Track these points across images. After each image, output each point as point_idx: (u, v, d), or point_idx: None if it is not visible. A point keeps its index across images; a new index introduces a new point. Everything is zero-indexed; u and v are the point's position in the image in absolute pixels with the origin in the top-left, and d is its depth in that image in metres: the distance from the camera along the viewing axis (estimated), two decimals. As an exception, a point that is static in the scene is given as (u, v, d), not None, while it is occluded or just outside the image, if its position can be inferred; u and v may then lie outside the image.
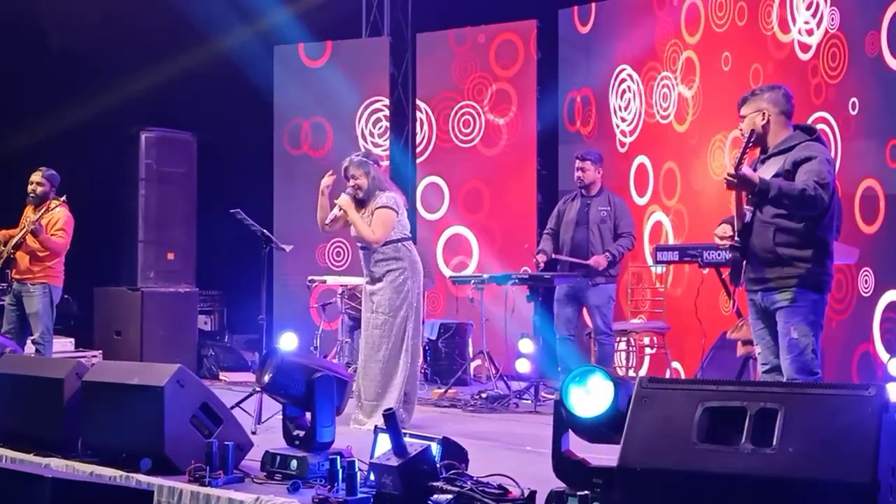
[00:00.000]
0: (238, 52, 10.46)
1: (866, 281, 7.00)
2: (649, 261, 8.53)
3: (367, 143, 10.69)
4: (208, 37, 10.29)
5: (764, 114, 4.84)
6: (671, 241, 8.63)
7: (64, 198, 7.64)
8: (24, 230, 7.62)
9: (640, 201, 9.05)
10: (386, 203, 6.57)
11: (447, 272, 10.12)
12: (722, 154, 8.18)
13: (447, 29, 10.50)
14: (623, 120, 9.26)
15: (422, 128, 10.60)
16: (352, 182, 6.59)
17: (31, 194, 7.75)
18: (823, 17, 7.29)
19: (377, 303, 6.59)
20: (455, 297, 9.84)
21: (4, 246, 7.73)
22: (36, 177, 7.78)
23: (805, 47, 7.49)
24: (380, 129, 10.73)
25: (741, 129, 4.88)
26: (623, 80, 9.25)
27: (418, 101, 10.66)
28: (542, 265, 7.70)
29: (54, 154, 9.15)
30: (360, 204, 6.62)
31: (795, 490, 3.54)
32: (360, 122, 10.76)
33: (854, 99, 7.06)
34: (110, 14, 10.21)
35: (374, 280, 6.65)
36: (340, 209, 6.57)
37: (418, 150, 10.65)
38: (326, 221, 6.77)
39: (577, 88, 9.69)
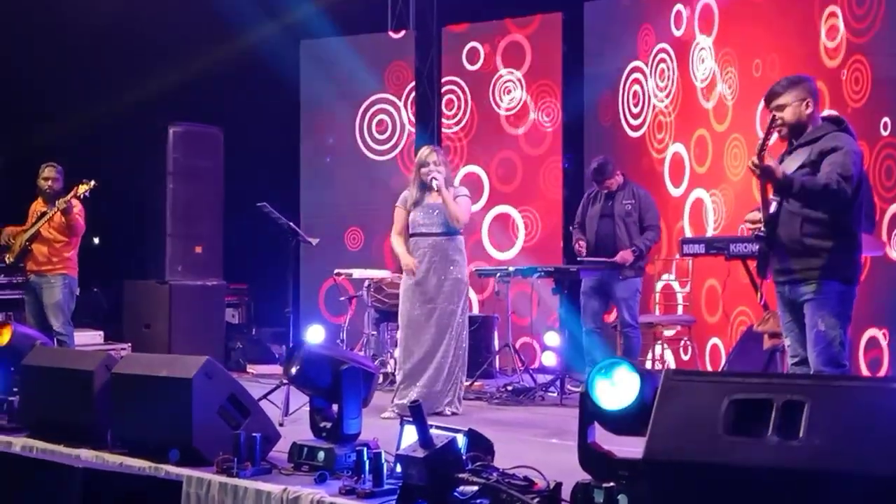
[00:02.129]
0: (265, 46, 10.50)
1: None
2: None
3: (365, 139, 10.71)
4: (235, 31, 10.34)
5: (808, 103, 4.80)
6: (711, 223, 8.56)
7: (93, 183, 7.67)
8: (42, 220, 7.68)
9: (676, 192, 9.01)
10: (466, 192, 6.97)
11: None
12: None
13: (472, 22, 10.48)
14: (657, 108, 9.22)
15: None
16: (435, 168, 6.78)
17: (48, 190, 7.82)
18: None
19: (447, 293, 6.77)
20: (480, 289, 9.85)
21: (15, 240, 7.80)
22: (50, 172, 7.85)
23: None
24: (377, 123, 10.74)
25: (781, 119, 4.78)
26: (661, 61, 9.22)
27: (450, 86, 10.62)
28: (583, 252, 7.72)
29: (82, 149, 9.25)
30: (425, 191, 6.86)
31: (822, 482, 3.52)
32: (362, 118, 10.77)
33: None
34: (137, 9, 10.28)
35: (442, 271, 6.79)
36: (438, 184, 6.72)
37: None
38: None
39: (604, 80, 9.65)
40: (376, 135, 10.83)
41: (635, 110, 9.43)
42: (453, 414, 6.69)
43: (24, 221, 7.94)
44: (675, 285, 8.83)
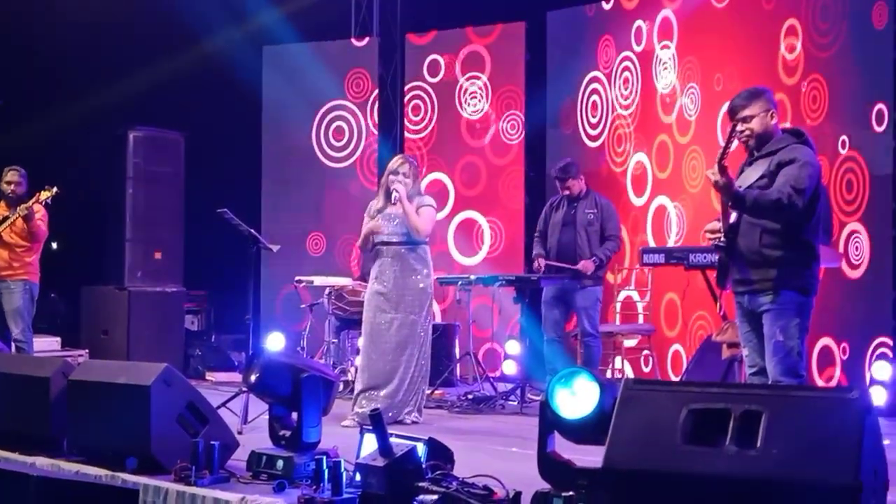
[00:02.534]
0: (227, 51, 10.46)
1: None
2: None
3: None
4: (197, 36, 10.28)
5: (773, 113, 4.85)
6: (674, 233, 8.61)
7: (55, 189, 7.59)
8: (3, 224, 7.58)
9: (639, 201, 9.06)
10: (431, 203, 6.93)
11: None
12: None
13: (436, 30, 10.50)
14: (620, 117, 9.28)
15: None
16: (400, 178, 6.78)
17: (11, 194, 7.72)
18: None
19: (409, 303, 6.76)
20: (442, 298, 9.85)
21: None
22: (13, 176, 7.75)
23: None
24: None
25: (749, 131, 4.81)
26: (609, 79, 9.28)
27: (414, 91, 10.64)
28: (542, 268, 7.74)
29: (42, 153, 9.14)
30: (389, 200, 6.85)
31: (779, 491, 3.55)
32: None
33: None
34: (99, 13, 10.20)
35: (400, 280, 6.78)
36: (398, 196, 6.71)
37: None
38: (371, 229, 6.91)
39: (565, 90, 9.70)
40: (333, 141, 10.81)
41: (594, 120, 9.49)
42: (414, 423, 6.68)
43: None
44: (635, 295, 8.88)
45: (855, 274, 7.16)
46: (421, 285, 6.82)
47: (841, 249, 7.11)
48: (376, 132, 10.73)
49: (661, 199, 8.78)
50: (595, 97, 9.49)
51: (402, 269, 6.80)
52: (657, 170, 8.82)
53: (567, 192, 7.80)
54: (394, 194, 6.74)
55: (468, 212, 10.24)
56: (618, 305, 8.81)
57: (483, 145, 10.22)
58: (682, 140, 8.57)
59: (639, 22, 9.01)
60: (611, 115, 9.32)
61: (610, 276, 8.73)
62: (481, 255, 10.13)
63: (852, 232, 7.15)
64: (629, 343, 8.52)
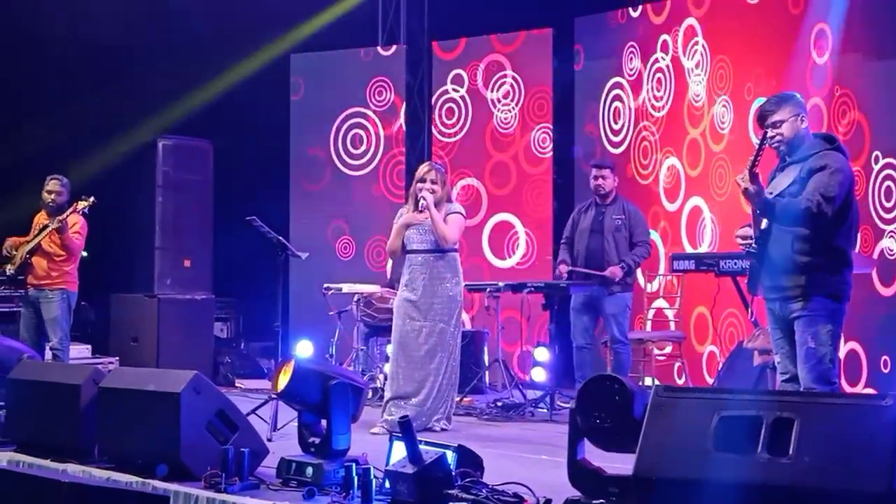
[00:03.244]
0: (255, 59, 10.49)
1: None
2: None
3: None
4: (226, 47, 10.33)
5: (802, 117, 4.82)
6: (707, 236, 8.53)
7: (92, 199, 7.63)
8: (42, 233, 7.63)
9: (671, 207, 9.01)
10: (459, 210, 6.92)
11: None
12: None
13: (463, 40, 10.50)
14: (647, 127, 9.23)
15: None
16: (429, 185, 6.76)
17: (52, 203, 7.75)
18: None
19: (438, 311, 6.74)
20: (470, 305, 9.84)
21: (17, 251, 7.75)
22: (55, 185, 7.77)
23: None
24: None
25: (779, 136, 4.78)
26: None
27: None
28: (564, 276, 7.71)
29: (71, 161, 9.21)
30: (419, 209, 6.82)
31: (811, 499, 3.55)
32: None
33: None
34: (128, 22, 10.26)
35: (430, 288, 6.75)
36: (424, 204, 6.69)
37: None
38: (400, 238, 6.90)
39: (594, 96, 9.68)
40: (351, 148, 10.81)
41: (616, 126, 9.46)
42: (443, 430, 6.66)
43: (27, 233, 7.89)
44: (662, 302, 8.81)
45: (888, 291, 7.04)
46: (450, 293, 6.79)
47: (874, 267, 6.97)
48: (401, 140, 10.71)
49: (695, 201, 8.65)
50: (618, 103, 9.44)
51: (431, 277, 6.78)
52: (689, 168, 8.71)
53: (598, 184, 7.71)
54: (421, 202, 6.73)
55: (502, 214, 10.20)
56: (650, 312, 8.73)
57: (512, 151, 10.18)
58: (715, 148, 8.49)
59: (664, 36, 8.94)
60: (632, 122, 9.25)
61: (644, 284, 8.68)
62: (513, 261, 10.08)
63: (886, 249, 7.02)
64: (659, 351, 8.45)
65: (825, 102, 7.40)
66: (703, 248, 8.43)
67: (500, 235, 10.22)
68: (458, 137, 10.48)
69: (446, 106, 10.57)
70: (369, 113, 10.78)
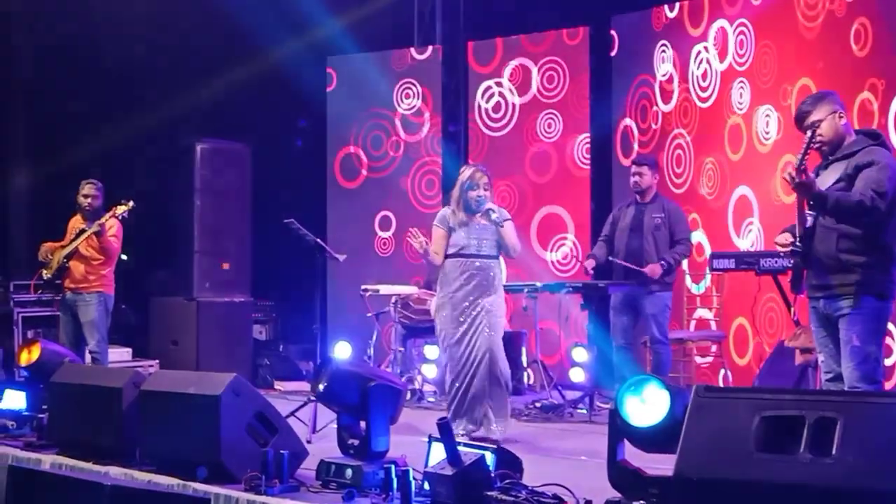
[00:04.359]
0: (291, 62, 10.54)
1: None
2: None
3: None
4: (262, 48, 10.38)
5: (840, 114, 4.78)
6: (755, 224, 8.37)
7: (132, 203, 7.69)
8: (80, 237, 7.70)
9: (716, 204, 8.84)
10: (509, 217, 6.70)
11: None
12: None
13: (499, 37, 10.47)
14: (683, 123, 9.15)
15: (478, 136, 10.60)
16: (482, 192, 6.53)
17: (88, 208, 7.82)
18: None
19: (499, 315, 6.59)
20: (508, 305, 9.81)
21: (53, 256, 7.82)
22: (90, 189, 7.84)
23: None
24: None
25: (820, 137, 4.74)
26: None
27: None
28: (591, 271, 7.66)
29: (110, 166, 9.29)
30: (473, 213, 6.61)
31: (855, 500, 3.51)
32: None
33: None
34: (164, 27, 10.35)
35: (486, 293, 6.55)
36: (498, 218, 6.46)
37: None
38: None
39: (632, 96, 9.62)
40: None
41: (642, 125, 9.38)
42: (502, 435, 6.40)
43: (61, 237, 7.96)
44: (703, 311, 8.71)
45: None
46: (501, 299, 6.64)
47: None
48: (434, 143, 10.71)
49: (742, 190, 8.46)
50: (644, 102, 9.38)
51: (488, 283, 6.54)
52: (731, 152, 8.56)
53: (636, 181, 7.67)
54: (493, 216, 6.46)
55: (549, 207, 10.14)
56: (685, 312, 8.65)
57: (550, 153, 10.13)
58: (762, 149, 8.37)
59: (698, 46, 8.87)
60: (659, 125, 9.18)
61: (691, 285, 8.59)
62: (568, 244, 10.00)
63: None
64: (700, 349, 8.37)
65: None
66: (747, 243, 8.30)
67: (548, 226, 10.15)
68: (504, 132, 10.41)
69: (493, 101, 10.51)
70: (401, 112, 10.80)
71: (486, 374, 6.42)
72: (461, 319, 6.51)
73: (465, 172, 6.68)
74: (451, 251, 6.60)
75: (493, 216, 6.47)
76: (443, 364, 6.96)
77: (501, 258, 6.84)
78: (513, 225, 6.69)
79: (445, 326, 6.56)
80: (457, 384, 6.47)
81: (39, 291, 8.58)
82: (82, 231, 7.72)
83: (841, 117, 4.78)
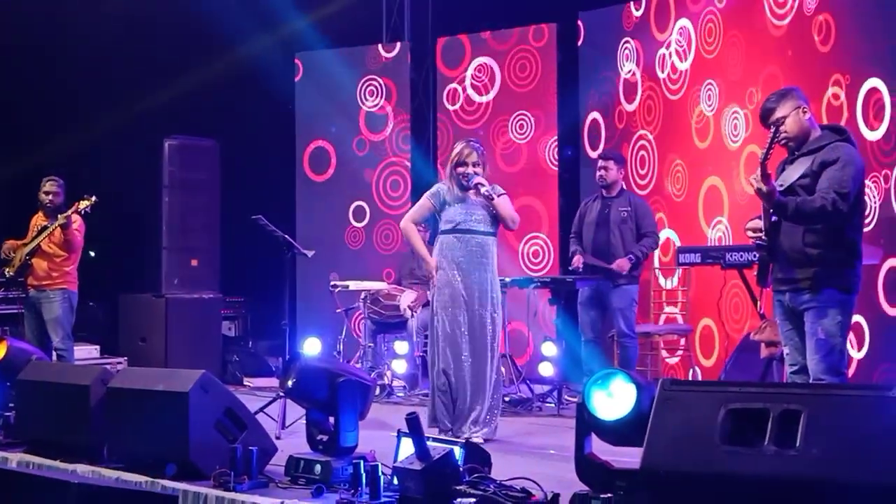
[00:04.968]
0: (259, 58, 10.50)
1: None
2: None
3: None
4: (230, 44, 10.33)
5: (804, 108, 4.80)
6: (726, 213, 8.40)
7: (94, 198, 7.64)
8: (42, 234, 7.65)
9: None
10: (503, 191, 6.49)
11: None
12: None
13: (467, 33, 10.48)
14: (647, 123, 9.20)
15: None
16: (471, 169, 6.34)
17: (49, 204, 7.79)
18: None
19: (494, 298, 6.34)
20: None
21: (15, 253, 7.77)
22: (51, 186, 7.81)
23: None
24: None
25: (785, 132, 4.77)
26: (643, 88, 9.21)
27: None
28: (580, 266, 7.67)
29: (78, 162, 9.24)
30: (464, 190, 6.41)
31: (820, 492, 3.53)
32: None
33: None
34: (133, 23, 10.28)
35: (482, 272, 6.32)
36: (488, 192, 6.25)
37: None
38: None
39: (598, 92, 9.64)
40: (374, 147, 10.83)
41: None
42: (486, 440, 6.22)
43: (25, 235, 7.91)
44: (668, 297, 8.77)
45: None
46: (497, 276, 6.45)
47: (880, 286, 6.86)
48: (403, 140, 10.70)
49: (712, 180, 8.46)
50: (607, 100, 9.44)
51: (488, 260, 6.36)
52: (698, 141, 8.57)
53: (601, 174, 7.70)
54: (483, 189, 6.27)
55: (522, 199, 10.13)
56: (652, 305, 8.69)
57: (519, 147, 10.14)
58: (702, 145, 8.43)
59: (662, 51, 8.91)
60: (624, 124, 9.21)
61: (662, 281, 8.64)
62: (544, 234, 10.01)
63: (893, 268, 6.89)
64: (673, 360, 8.41)
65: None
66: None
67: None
68: (473, 127, 10.40)
69: (460, 99, 10.47)
70: (368, 110, 10.79)
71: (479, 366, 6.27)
72: (465, 305, 6.28)
73: (456, 148, 6.50)
74: (446, 227, 6.39)
75: (483, 190, 6.28)
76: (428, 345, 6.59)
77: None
78: (508, 198, 6.48)
79: (447, 311, 6.30)
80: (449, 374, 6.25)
81: (2, 289, 8.52)
82: (45, 228, 7.68)
83: (805, 112, 4.81)
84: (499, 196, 6.36)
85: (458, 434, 6.03)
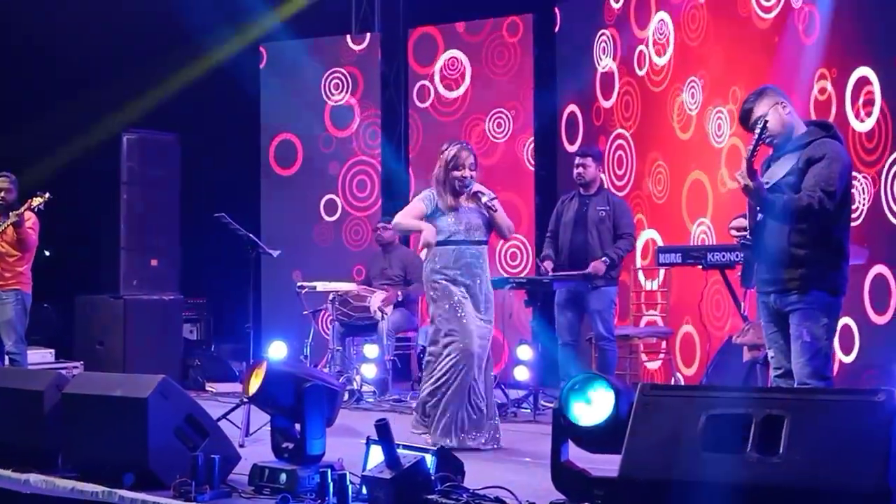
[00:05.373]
0: (223, 50, 10.37)
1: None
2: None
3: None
4: (193, 35, 10.19)
5: (783, 104, 4.76)
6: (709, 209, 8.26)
7: (48, 195, 7.48)
8: None
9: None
10: (495, 196, 6.34)
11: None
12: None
13: (440, 24, 10.37)
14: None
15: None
16: (468, 172, 6.18)
17: (1, 202, 7.62)
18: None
19: (490, 304, 6.28)
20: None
21: None
22: (3, 183, 7.66)
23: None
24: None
25: (768, 131, 4.69)
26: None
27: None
28: (549, 272, 7.56)
29: (32, 157, 9.07)
30: (457, 196, 6.26)
31: (802, 499, 3.56)
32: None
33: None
34: (89, 13, 10.13)
35: (480, 282, 6.24)
36: (492, 199, 6.13)
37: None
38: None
39: (575, 85, 9.54)
40: (342, 143, 10.72)
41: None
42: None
43: None
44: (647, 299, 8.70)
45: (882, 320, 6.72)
46: (490, 287, 6.35)
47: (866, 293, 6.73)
48: (371, 136, 10.59)
49: (696, 175, 8.30)
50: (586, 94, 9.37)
51: (483, 270, 6.27)
52: (680, 132, 8.46)
53: (579, 172, 7.60)
54: (483, 198, 6.15)
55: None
56: (632, 307, 8.60)
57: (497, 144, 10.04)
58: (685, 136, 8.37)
59: (640, 47, 8.84)
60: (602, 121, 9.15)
61: (645, 283, 8.57)
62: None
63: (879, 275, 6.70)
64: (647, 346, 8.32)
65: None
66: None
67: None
68: (446, 121, 10.29)
69: (445, 82, 10.33)
70: (334, 105, 10.68)
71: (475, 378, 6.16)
72: (475, 314, 6.19)
73: (450, 150, 6.25)
74: (439, 238, 6.22)
75: (484, 199, 6.15)
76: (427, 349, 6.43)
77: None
78: (499, 203, 6.37)
79: (444, 322, 6.17)
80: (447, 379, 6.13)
81: None
82: None
83: (784, 107, 4.77)
84: (492, 200, 6.25)
85: (480, 445, 6.05)
